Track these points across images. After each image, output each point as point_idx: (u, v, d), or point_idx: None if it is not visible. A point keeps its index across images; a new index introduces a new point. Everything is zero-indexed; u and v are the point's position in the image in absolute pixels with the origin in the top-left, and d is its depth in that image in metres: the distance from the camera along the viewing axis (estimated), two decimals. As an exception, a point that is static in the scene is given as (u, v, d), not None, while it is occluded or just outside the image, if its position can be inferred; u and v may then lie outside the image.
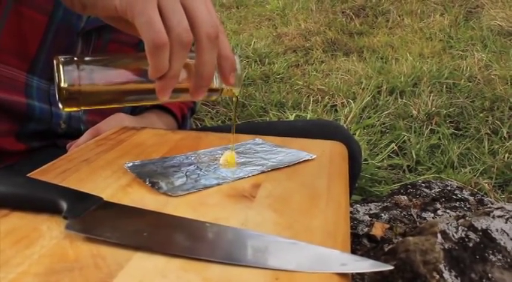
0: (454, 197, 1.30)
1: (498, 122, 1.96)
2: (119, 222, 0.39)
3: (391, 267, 0.35)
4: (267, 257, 0.35)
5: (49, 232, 0.38)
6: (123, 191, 0.46)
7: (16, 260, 0.34)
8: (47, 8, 0.67)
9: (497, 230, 0.88)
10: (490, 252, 0.84)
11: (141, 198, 0.45)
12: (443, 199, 1.28)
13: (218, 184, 0.49)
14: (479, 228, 0.89)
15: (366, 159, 1.62)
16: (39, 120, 0.71)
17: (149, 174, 0.50)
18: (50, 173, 0.51)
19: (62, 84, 0.43)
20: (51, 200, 0.40)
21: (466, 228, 0.89)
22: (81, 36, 0.71)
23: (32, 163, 0.54)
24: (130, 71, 0.46)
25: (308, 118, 1.99)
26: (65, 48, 0.70)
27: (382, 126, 1.98)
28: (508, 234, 0.87)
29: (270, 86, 2.50)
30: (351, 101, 2.15)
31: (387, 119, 2.04)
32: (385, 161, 1.68)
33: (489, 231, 0.88)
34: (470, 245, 0.86)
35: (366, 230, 1.16)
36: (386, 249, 0.97)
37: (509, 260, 0.83)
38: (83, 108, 0.46)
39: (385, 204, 1.29)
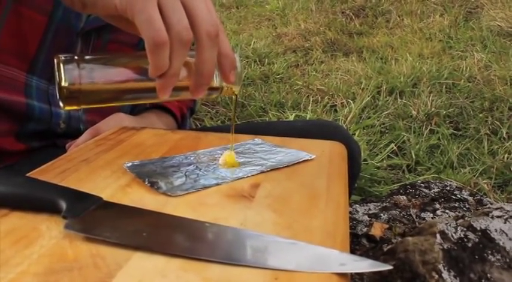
0: (453, 197, 1.30)
1: (497, 123, 1.97)
2: (119, 222, 0.39)
3: (390, 267, 0.35)
4: (266, 257, 0.35)
5: (48, 232, 0.38)
6: (123, 191, 0.46)
7: (15, 260, 0.34)
8: (47, 8, 0.67)
9: (496, 230, 0.88)
10: (489, 252, 0.84)
11: (141, 198, 0.45)
12: (443, 199, 1.28)
13: (217, 184, 0.49)
14: (478, 228, 0.89)
15: (365, 160, 1.62)
16: (39, 120, 0.71)
17: (148, 174, 0.50)
18: (49, 172, 0.51)
19: (63, 83, 0.43)
20: (51, 199, 0.40)
21: (465, 229, 0.89)
22: (81, 37, 0.71)
23: (32, 163, 0.54)
24: (131, 70, 0.46)
25: (307, 118, 1.99)
26: (65, 48, 0.70)
27: (382, 126, 1.98)
28: (507, 235, 0.87)
29: (270, 86, 2.50)
30: (351, 101, 2.15)
31: (387, 119, 2.04)
32: (384, 161, 1.68)
33: (488, 231, 0.88)
34: (469, 245, 0.86)
35: (365, 230, 1.16)
36: (385, 249, 0.97)
37: (508, 260, 0.83)
38: (83, 106, 0.47)
39: (385, 204, 1.29)
